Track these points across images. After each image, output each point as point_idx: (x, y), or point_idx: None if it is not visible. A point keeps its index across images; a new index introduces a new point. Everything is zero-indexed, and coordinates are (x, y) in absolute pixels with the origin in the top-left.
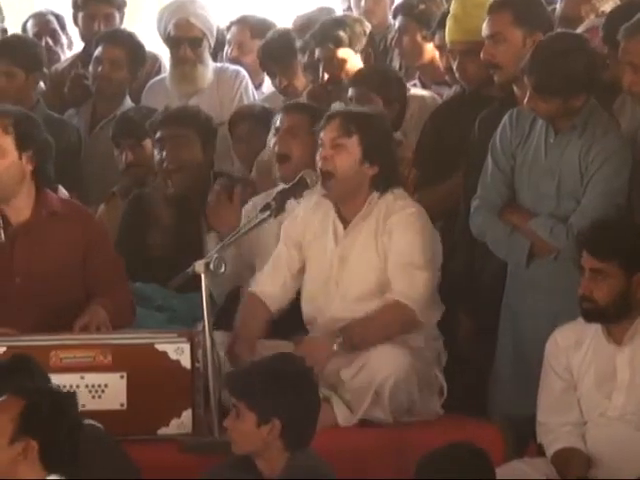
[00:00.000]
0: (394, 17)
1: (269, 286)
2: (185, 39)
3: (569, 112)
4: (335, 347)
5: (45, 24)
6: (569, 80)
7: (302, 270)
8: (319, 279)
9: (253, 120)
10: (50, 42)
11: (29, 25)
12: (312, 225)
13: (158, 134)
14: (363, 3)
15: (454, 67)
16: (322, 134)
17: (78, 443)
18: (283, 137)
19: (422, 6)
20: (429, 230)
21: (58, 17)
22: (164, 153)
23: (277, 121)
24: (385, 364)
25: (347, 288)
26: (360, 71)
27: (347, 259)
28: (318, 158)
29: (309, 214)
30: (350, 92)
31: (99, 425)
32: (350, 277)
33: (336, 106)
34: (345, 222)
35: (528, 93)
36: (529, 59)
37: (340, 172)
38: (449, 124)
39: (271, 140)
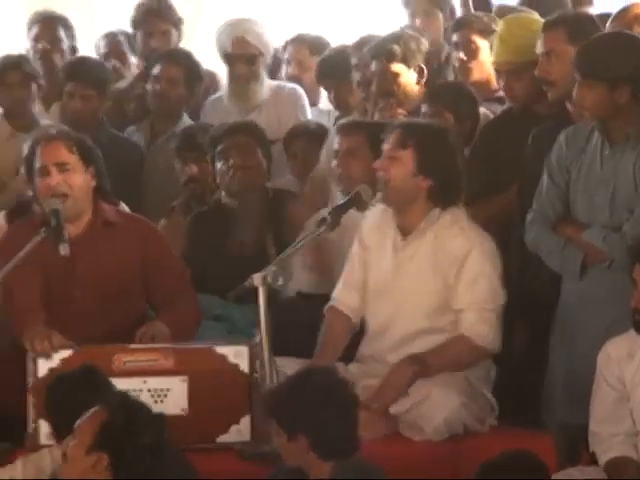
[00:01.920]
0: (453, 32)
1: (346, 296)
2: (241, 56)
3: (615, 108)
4: (411, 376)
5: (116, 45)
6: (614, 65)
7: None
8: (375, 287)
9: (308, 137)
10: (117, 64)
11: (100, 44)
12: (375, 233)
13: (221, 146)
14: (418, 22)
15: (502, 88)
16: (384, 144)
17: (154, 464)
18: (343, 159)
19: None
20: (492, 256)
21: (129, 37)
22: (231, 162)
23: (335, 143)
24: (437, 410)
25: (400, 298)
26: (433, 88)
27: (402, 272)
28: (377, 168)
29: (374, 222)
30: (423, 108)
31: None
32: (403, 288)
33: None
34: (404, 233)
35: (576, 84)
36: (580, 46)
37: (393, 182)
38: (499, 140)
39: (323, 156)
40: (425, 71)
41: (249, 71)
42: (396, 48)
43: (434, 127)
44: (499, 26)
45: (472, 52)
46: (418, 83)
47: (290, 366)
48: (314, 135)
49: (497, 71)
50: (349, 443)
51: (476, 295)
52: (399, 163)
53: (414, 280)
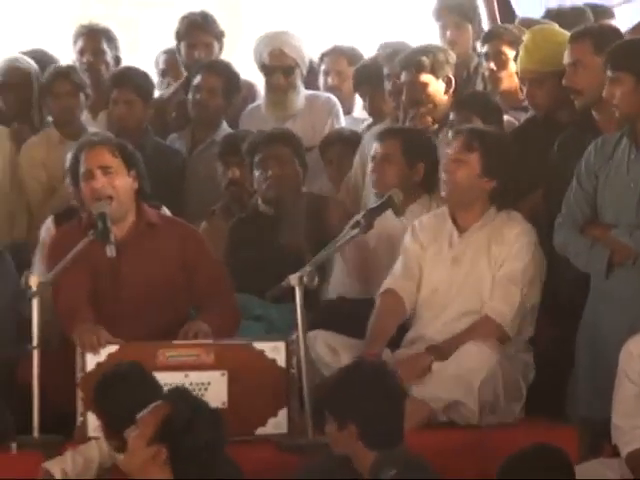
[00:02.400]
0: (484, 43)
1: (404, 281)
2: (278, 67)
3: None
4: (428, 367)
5: (175, 62)
6: None
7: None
8: (430, 283)
9: (342, 143)
10: (172, 81)
11: (160, 60)
12: (431, 229)
13: (260, 155)
14: (448, 34)
15: (524, 95)
16: (448, 148)
17: (213, 460)
18: (378, 164)
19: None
20: (536, 250)
21: None
22: (269, 172)
23: (372, 149)
24: (476, 357)
25: (458, 289)
26: (461, 96)
27: (460, 261)
28: (442, 169)
29: (428, 222)
30: (452, 116)
31: None
32: (461, 280)
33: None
34: (460, 230)
35: (607, 81)
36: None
37: (459, 184)
38: (523, 146)
39: (356, 162)
40: (453, 81)
41: (286, 82)
42: (425, 59)
43: (496, 132)
44: (525, 36)
45: (502, 62)
46: (446, 93)
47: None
48: (348, 141)
49: (521, 80)
50: (394, 434)
51: (507, 271)
52: (466, 166)
53: (469, 271)
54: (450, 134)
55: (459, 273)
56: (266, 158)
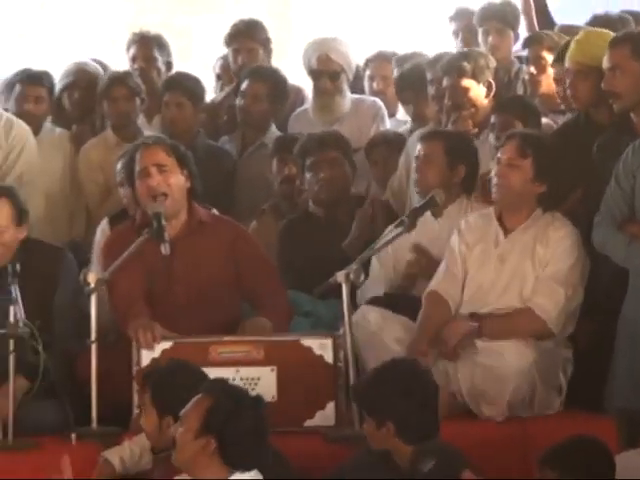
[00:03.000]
0: (524, 48)
1: (448, 284)
2: (325, 72)
3: None
4: (469, 328)
5: (229, 68)
6: None
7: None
8: (478, 278)
9: (387, 145)
10: (226, 85)
11: (216, 65)
12: (477, 229)
13: (311, 159)
14: (490, 39)
15: (567, 86)
16: (500, 152)
17: (260, 444)
18: (421, 165)
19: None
20: (581, 251)
21: None
22: (320, 175)
23: (415, 150)
24: (513, 358)
25: (503, 288)
26: (501, 100)
27: (505, 260)
28: (493, 174)
29: (474, 223)
30: (493, 119)
31: None
32: (506, 278)
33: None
34: (506, 231)
35: None
36: None
37: (512, 188)
38: (563, 147)
39: (401, 163)
40: (493, 86)
41: (332, 86)
42: (466, 65)
43: (547, 137)
44: (580, 33)
45: (541, 67)
46: (487, 97)
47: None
48: (393, 143)
49: (566, 72)
50: (431, 428)
51: (552, 272)
52: (519, 171)
53: (514, 270)
54: (491, 137)
55: (504, 271)
56: (318, 161)
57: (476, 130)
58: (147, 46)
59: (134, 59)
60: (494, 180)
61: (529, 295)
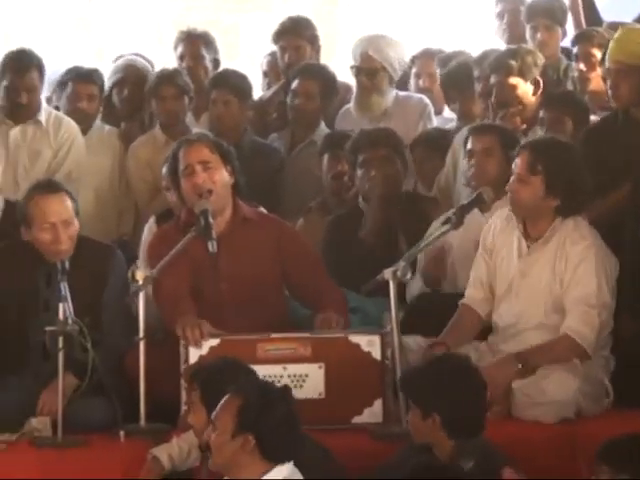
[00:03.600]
0: (574, 45)
1: (476, 292)
2: (363, 69)
3: None
4: (514, 373)
5: (277, 65)
6: None
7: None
8: (501, 287)
9: (427, 144)
10: (273, 82)
11: (263, 62)
12: (501, 235)
13: (363, 156)
14: (539, 35)
15: (609, 86)
16: (513, 164)
17: (295, 434)
18: (479, 158)
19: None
20: (607, 262)
21: None
22: (372, 172)
23: (468, 144)
24: (559, 388)
25: (524, 300)
26: (551, 95)
27: (527, 274)
28: (508, 185)
29: (501, 225)
30: (541, 114)
31: None
32: (527, 292)
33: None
34: (529, 239)
35: None
36: None
37: (523, 204)
38: (603, 143)
39: (449, 159)
40: (541, 83)
41: (370, 83)
42: (513, 63)
43: (561, 146)
44: (619, 31)
45: (591, 64)
46: (534, 94)
47: (416, 342)
48: (438, 141)
49: (607, 71)
50: (476, 424)
51: (583, 296)
52: (529, 187)
53: (537, 283)
54: (540, 133)
55: (524, 286)
56: (370, 159)
57: (524, 126)
58: (194, 44)
59: (182, 57)
60: (508, 191)
61: (550, 314)
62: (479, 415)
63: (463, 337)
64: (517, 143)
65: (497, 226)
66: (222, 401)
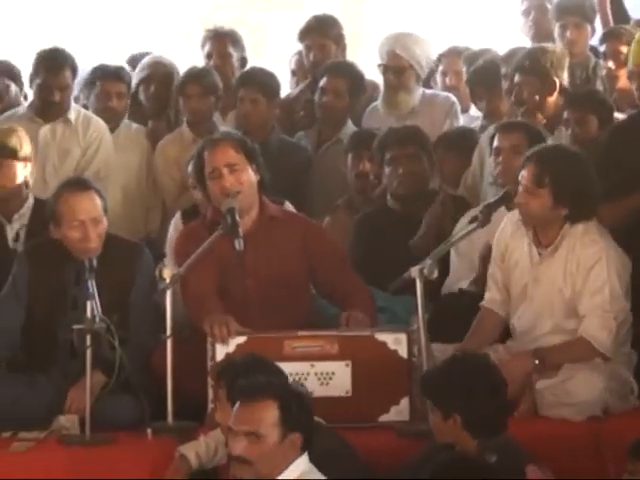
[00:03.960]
0: (602, 42)
1: (493, 294)
2: (390, 67)
3: None
4: (531, 368)
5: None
6: None
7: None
8: (516, 292)
9: (456, 142)
10: (301, 81)
11: (292, 60)
12: (512, 240)
13: (390, 153)
14: (568, 34)
15: (634, 88)
16: (520, 175)
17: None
18: (506, 156)
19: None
20: (618, 263)
21: None
22: (399, 170)
23: (495, 142)
24: (579, 391)
25: (539, 306)
26: (575, 94)
27: (540, 281)
28: (515, 199)
29: (512, 229)
30: (566, 114)
31: (320, 420)
32: (541, 297)
33: None
34: (540, 246)
35: None
36: None
37: (532, 215)
38: (627, 143)
39: (475, 158)
40: (557, 83)
41: (397, 81)
42: (533, 62)
43: (567, 155)
44: (638, 32)
45: (620, 62)
46: (550, 95)
47: (443, 351)
48: (460, 140)
49: (630, 74)
50: (498, 423)
51: (599, 302)
52: (537, 199)
53: (550, 289)
54: (566, 133)
55: (538, 292)
56: (397, 157)
57: (544, 121)
58: (222, 42)
59: (209, 56)
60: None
61: (566, 319)
62: (500, 413)
63: (485, 340)
64: (544, 141)
65: (508, 230)
66: (254, 413)
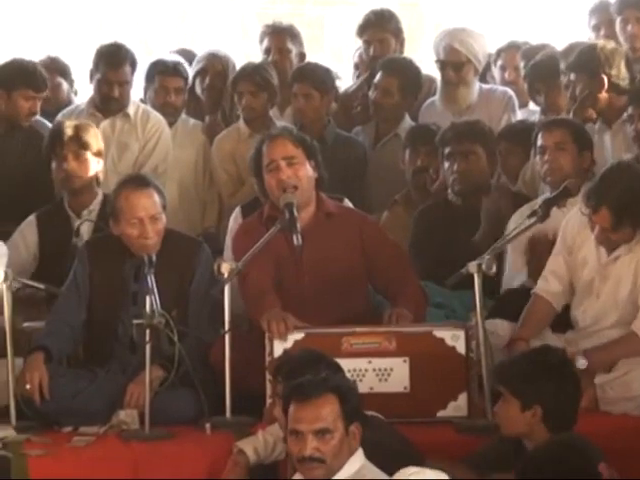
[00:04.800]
0: None
1: (551, 284)
2: (449, 63)
3: None
4: (579, 367)
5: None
6: None
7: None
8: (582, 287)
9: (514, 137)
10: (362, 75)
11: (355, 55)
12: (581, 235)
13: (449, 149)
14: (629, 28)
15: None
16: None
17: None
18: (552, 153)
19: None
20: None
21: None
22: (455, 166)
23: (539, 140)
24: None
25: (605, 302)
26: (638, 91)
27: (608, 278)
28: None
29: (580, 223)
30: (630, 110)
31: (378, 415)
32: (608, 294)
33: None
34: (608, 247)
35: None
36: None
37: (604, 231)
38: None
39: (533, 154)
40: (605, 80)
41: (456, 77)
42: (585, 60)
43: (625, 182)
44: None
45: None
46: (599, 92)
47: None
48: (521, 134)
49: None
50: (572, 417)
51: None
52: (602, 219)
53: (617, 286)
54: (630, 129)
55: (605, 289)
56: (455, 153)
57: (595, 116)
58: (280, 38)
59: (267, 51)
60: None
61: (631, 317)
62: (576, 408)
63: (539, 328)
64: (588, 136)
65: (576, 224)
66: (315, 412)
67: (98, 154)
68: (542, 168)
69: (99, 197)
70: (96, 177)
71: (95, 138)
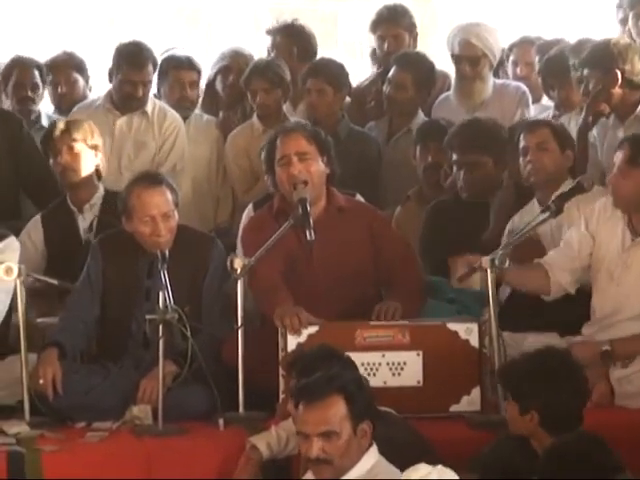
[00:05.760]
0: None
1: (554, 260)
2: (465, 57)
3: None
4: (600, 354)
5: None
6: None
7: (588, 258)
8: (602, 276)
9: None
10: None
11: (371, 50)
12: (606, 223)
13: (455, 156)
14: None
15: None
16: (615, 155)
17: None
18: (535, 153)
19: None
20: None
21: None
22: (461, 175)
23: (521, 141)
24: None
25: (626, 291)
26: None
27: (630, 266)
28: (607, 179)
29: (606, 212)
30: None
31: (392, 410)
32: (630, 283)
33: None
34: (635, 233)
35: None
36: None
37: (625, 196)
38: None
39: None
40: (619, 75)
41: (473, 71)
42: (595, 56)
43: None
44: None
45: None
46: (612, 87)
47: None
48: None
49: None
50: (574, 419)
51: None
52: (630, 179)
53: (638, 272)
54: None
55: (626, 277)
56: (459, 162)
57: (608, 110)
58: (288, 37)
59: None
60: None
61: None
62: (579, 411)
63: (525, 281)
64: (569, 135)
65: (602, 213)
66: (321, 412)
67: (94, 147)
68: (525, 169)
69: (100, 191)
70: (96, 171)
71: (89, 130)
